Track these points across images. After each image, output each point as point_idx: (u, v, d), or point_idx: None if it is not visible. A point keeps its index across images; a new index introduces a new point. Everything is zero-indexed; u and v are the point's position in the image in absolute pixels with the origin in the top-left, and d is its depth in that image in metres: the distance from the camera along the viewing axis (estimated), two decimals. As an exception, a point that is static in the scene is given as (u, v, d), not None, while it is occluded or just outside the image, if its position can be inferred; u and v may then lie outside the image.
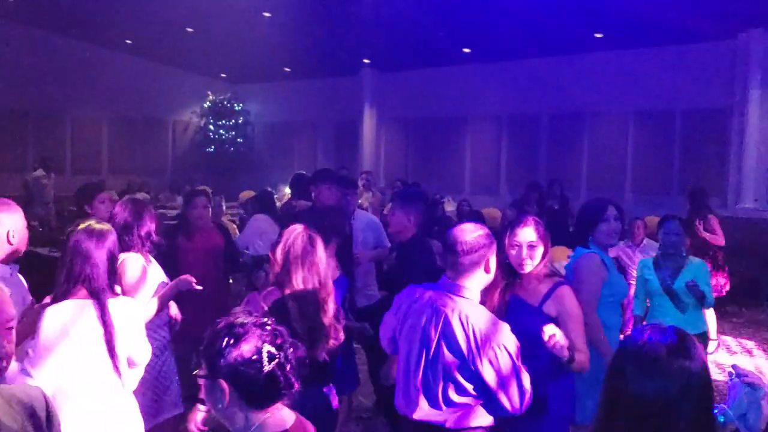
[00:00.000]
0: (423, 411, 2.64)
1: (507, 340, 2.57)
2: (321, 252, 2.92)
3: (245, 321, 1.70)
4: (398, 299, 2.83)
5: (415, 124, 13.95)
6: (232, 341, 1.65)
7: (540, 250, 2.99)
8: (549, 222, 6.11)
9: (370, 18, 10.51)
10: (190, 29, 12.21)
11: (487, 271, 2.70)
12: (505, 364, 2.54)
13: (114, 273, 2.71)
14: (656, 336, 1.49)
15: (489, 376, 2.53)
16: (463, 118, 13.17)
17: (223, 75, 16.09)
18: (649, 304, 4.69)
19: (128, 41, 13.93)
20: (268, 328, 1.71)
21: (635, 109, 11.04)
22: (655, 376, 1.44)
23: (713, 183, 10.12)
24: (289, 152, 15.41)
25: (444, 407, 2.60)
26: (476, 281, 2.70)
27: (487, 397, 2.60)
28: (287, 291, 2.84)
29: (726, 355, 6.77)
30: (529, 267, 2.99)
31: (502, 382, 2.54)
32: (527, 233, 3.00)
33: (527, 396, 2.58)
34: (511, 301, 2.99)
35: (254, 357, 1.64)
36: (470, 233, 2.69)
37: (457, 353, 2.56)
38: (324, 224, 3.66)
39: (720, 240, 7.23)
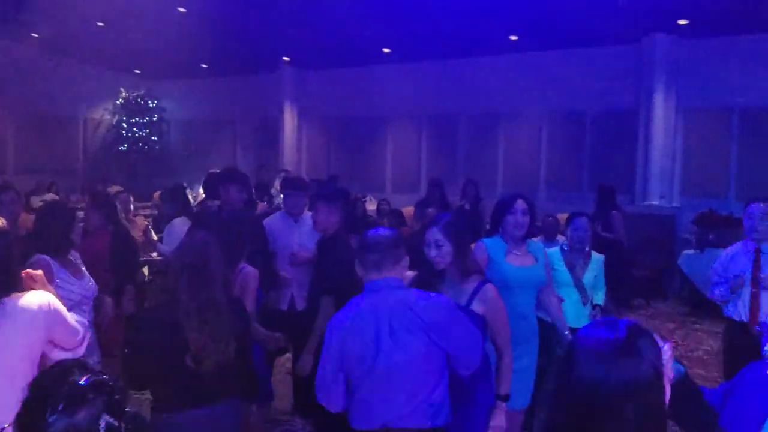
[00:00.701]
0: (402, 414, 2.61)
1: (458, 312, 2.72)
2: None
3: (79, 380, 1.34)
4: (343, 311, 2.76)
5: (336, 123, 13.92)
6: (61, 407, 1.30)
7: (446, 248, 3.04)
8: None
9: (289, 15, 10.41)
10: (101, 23, 11.74)
11: (403, 272, 2.76)
12: (469, 331, 2.68)
13: (8, 271, 2.49)
14: (606, 332, 1.44)
15: (458, 347, 2.64)
16: (384, 117, 13.25)
17: (137, 71, 15.56)
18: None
19: (34, 35, 13.27)
20: (108, 388, 1.36)
21: (548, 109, 11.39)
22: (599, 372, 1.39)
23: (622, 181, 10.54)
24: (206, 151, 15.07)
25: (425, 405, 2.61)
26: (402, 276, 2.78)
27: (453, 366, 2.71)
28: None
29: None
30: (440, 265, 3.05)
31: (468, 347, 2.68)
32: (434, 232, 3.06)
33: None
34: None
35: (89, 426, 1.31)
36: (388, 231, 2.79)
37: (418, 343, 2.59)
38: (237, 231, 3.62)
39: (620, 237, 7.51)
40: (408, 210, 9.42)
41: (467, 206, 7.83)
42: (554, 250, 4.76)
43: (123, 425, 1.35)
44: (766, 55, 9.39)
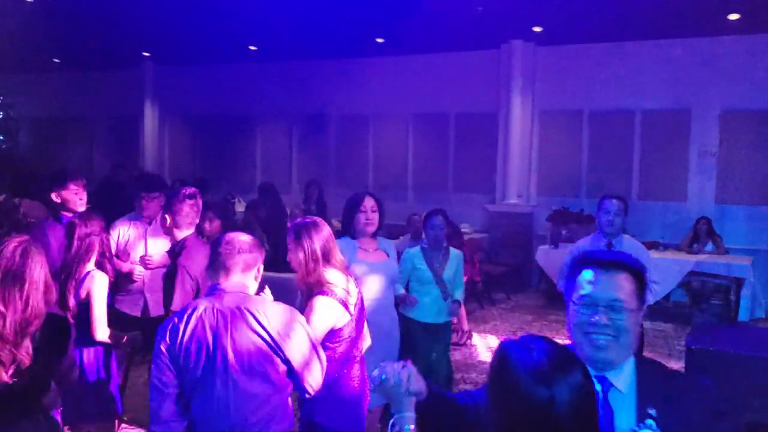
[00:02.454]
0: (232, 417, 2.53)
1: (302, 322, 2.64)
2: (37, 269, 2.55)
3: None
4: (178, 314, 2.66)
5: (202, 122, 13.50)
6: None
7: (295, 256, 3.04)
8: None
9: (150, 7, 9.95)
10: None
11: (256, 278, 2.70)
12: (305, 344, 2.60)
13: None
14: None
15: (295, 356, 2.55)
16: (253, 116, 13.01)
17: (-20, 64, 14.33)
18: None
19: None
20: None
21: (414, 111, 11.65)
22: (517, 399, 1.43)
23: (483, 180, 11.03)
24: (59, 150, 14.13)
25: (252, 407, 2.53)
26: (251, 283, 2.69)
27: (293, 382, 2.62)
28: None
29: (495, 339, 7.38)
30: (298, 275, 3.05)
31: (306, 363, 2.58)
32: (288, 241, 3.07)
33: (322, 376, 2.66)
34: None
35: None
36: (242, 236, 2.71)
37: (257, 348, 2.51)
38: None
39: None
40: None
41: (312, 208, 7.75)
42: (416, 249, 4.87)
43: None
44: (611, 63, 10.12)
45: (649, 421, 1.68)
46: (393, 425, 1.79)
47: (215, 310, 2.53)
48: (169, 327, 2.55)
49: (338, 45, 10.98)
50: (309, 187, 8.29)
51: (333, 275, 3.00)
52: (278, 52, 11.83)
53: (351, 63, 11.81)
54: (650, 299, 4.52)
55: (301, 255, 2.99)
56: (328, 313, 2.93)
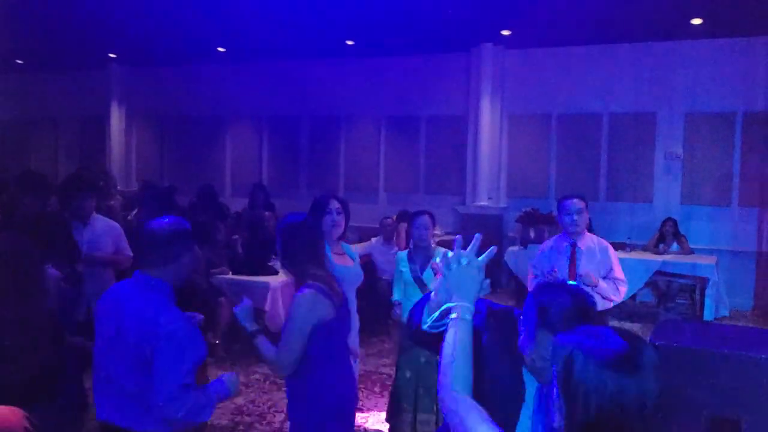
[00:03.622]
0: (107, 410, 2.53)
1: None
2: None
3: None
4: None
5: (169, 123, 13.34)
6: None
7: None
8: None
9: (115, 7, 9.81)
10: None
11: (170, 271, 2.58)
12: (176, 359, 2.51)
13: None
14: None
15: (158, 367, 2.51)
16: (222, 118, 12.90)
17: (-61, 64, 14.00)
18: None
19: None
20: None
21: (386, 114, 11.66)
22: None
23: (454, 183, 11.08)
24: (24, 152, 13.86)
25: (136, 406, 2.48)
26: (170, 276, 2.59)
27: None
28: None
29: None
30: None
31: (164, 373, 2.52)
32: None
33: None
34: None
35: None
36: (167, 224, 2.60)
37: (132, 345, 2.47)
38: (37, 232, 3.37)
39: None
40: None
41: (266, 212, 7.59)
42: (404, 253, 4.89)
43: None
44: (579, 66, 10.25)
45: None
46: (449, 311, 1.74)
47: (119, 300, 2.61)
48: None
49: (308, 46, 10.94)
50: (254, 192, 8.07)
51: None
52: (247, 53, 11.75)
53: (322, 64, 11.78)
54: (617, 299, 4.57)
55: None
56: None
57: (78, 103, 13.51)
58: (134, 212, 8.27)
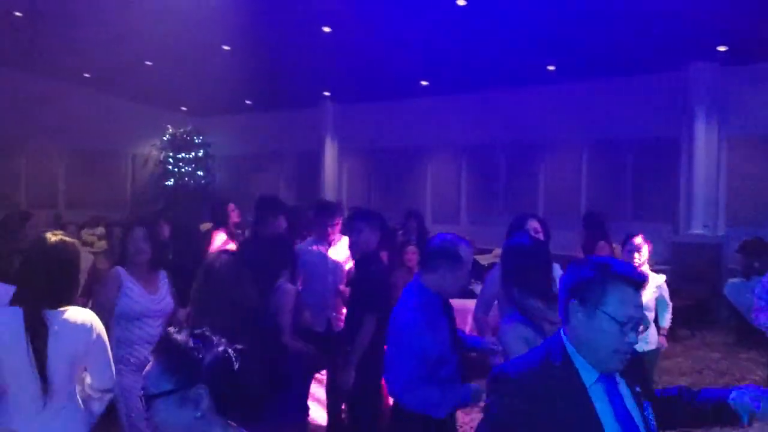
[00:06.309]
0: None
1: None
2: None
3: (200, 331, 1.69)
4: None
5: (376, 155, 14.11)
6: (202, 345, 1.63)
7: None
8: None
9: (329, 51, 10.68)
10: (149, 62, 12.22)
11: None
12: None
13: (70, 284, 2.80)
14: None
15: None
16: (424, 148, 13.38)
17: (184, 108, 16.08)
18: None
19: (86, 74, 13.86)
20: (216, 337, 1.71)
21: (588, 139, 11.35)
22: None
23: (665, 210, 10.44)
24: (250, 185, 15.41)
25: None
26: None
27: None
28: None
29: (678, 377, 6.93)
30: None
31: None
32: None
33: None
34: None
35: (226, 357, 1.64)
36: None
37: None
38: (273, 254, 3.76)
39: None
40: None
41: (413, 239, 7.52)
42: None
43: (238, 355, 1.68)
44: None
45: None
46: None
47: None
48: None
49: (509, 75, 11.03)
50: (408, 218, 7.96)
51: None
52: (448, 85, 12.11)
53: (521, 92, 11.77)
54: None
55: None
56: None
57: (297, 138, 14.80)
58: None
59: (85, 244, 9.70)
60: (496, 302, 3.98)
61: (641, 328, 1.77)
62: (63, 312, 2.70)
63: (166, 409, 1.60)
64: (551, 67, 10.46)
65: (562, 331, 1.87)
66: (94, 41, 10.77)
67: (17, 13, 10.42)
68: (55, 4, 9.76)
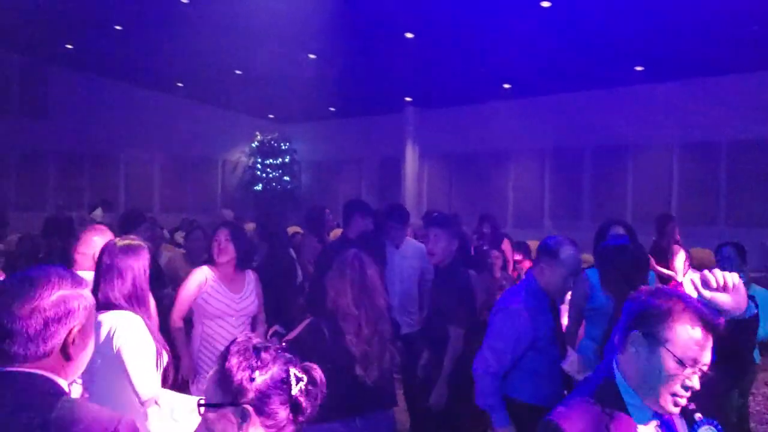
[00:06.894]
0: None
1: None
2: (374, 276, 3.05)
3: (267, 345, 1.61)
4: None
5: (457, 160, 14.09)
6: (259, 364, 1.54)
7: None
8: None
9: (411, 57, 10.77)
10: (238, 72, 12.69)
11: None
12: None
13: (136, 287, 2.74)
14: None
15: None
16: (506, 152, 13.26)
17: (271, 115, 16.59)
18: None
19: (179, 84, 14.54)
20: (287, 354, 1.62)
21: (679, 140, 10.96)
22: None
23: (761, 213, 9.95)
24: (334, 189, 15.71)
25: None
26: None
27: None
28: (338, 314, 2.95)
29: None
30: None
31: None
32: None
33: None
34: None
35: (283, 378, 1.54)
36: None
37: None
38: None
39: (674, 274, 5.84)
40: (532, 243, 9.30)
41: (485, 246, 7.30)
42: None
43: (307, 378, 1.57)
44: None
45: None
46: None
47: None
48: None
49: (593, 76, 10.79)
50: (481, 223, 7.72)
51: None
52: (531, 88, 11.95)
53: (606, 93, 11.49)
54: None
55: None
56: None
57: (378, 143, 14.99)
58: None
59: (177, 245, 10.16)
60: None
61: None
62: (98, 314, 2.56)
63: (212, 418, 1.57)
64: (639, 68, 10.17)
65: (614, 362, 1.77)
66: (187, 52, 11.30)
67: (117, 27, 11.06)
68: (151, 17, 10.30)
